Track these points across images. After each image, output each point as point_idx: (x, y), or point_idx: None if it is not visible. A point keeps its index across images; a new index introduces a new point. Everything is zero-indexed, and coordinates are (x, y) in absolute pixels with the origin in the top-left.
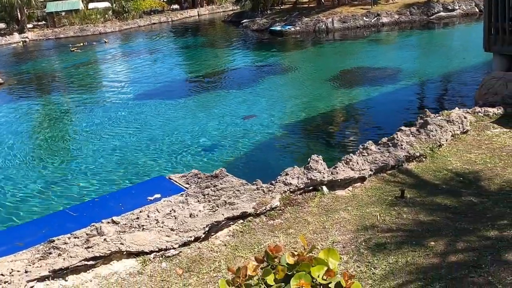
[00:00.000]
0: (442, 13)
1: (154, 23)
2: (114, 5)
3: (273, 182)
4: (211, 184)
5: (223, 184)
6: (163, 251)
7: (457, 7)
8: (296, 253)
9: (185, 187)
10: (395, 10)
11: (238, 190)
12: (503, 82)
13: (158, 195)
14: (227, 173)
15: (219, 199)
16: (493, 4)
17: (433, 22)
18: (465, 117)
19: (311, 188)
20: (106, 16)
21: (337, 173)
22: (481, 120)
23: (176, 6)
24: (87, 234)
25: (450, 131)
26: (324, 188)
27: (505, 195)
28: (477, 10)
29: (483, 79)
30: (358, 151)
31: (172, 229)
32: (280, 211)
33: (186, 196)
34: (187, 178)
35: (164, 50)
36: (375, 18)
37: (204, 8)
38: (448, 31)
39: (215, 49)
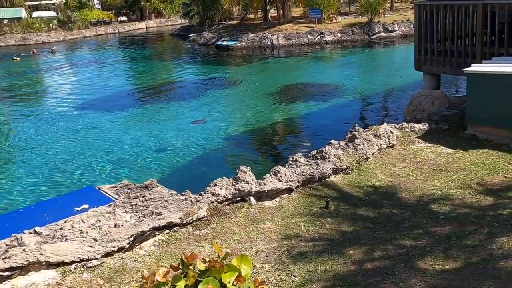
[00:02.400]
0: (382, 34)
1: (101, 34)
2: (60, 14)
3: (201, 192)
4: (140, 194)
5: (152, 194)
6: (85, 262)
7: (397, 28)
8: (207, 259)
9: (114, 198)
10: (338, 29)
11: (166, 201)
12: (430, 100)
13: (85, 206)
14: (158, 184)
15: (147, 209)
16: (423, 26)
17: (374, 42)
18: (391, 132)
19: (238, 198)
20: (51, 25)
21: (264, 184)
22: (407, 135)
23: (123, 18)
24: (6, 245)
25: (376, 145)
26: (252, 198)
27: (423, 206)
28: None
29: (412, 96)
30: (287, 163)
31: (95, 239)
32: (207, 222)
33: (113, 206)
34: (116, 189)
35: (110, 61)
36: (319, 36)
37: (152, 21)
38: (388, 50)
39: (162, 61)
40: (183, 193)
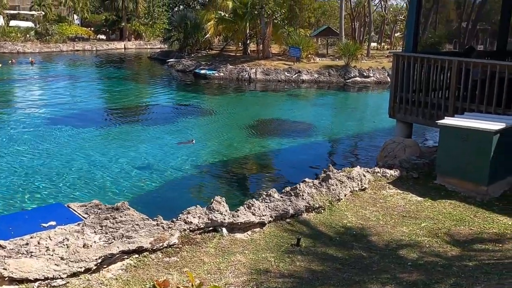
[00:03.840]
0: (357, 78)
1: (78, 50)
2: (38, 26)
3: (174, 219)
4: (110, 216)
5: (123, 217)
6: (49, 280)
7: (372, 75)
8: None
9: (83, 217)
10: (315, 69)
11: (137, 224)
12: (402, 147)
13: (53, 223)
14: (129, 207)
15: (117, 231)
16: (399, 76)
17: (349, 85)
18: (364, 176)
19: (211, 228)
20: (28, 36)
21: (238, 216)
22: (379, 180)
23: (102, 36)
24: None
25: (349, 187)
26: (224, 230)
27: (391, 251)
28: (389, 79)
29: (385, 143)
30: (262, 197)
31: (62, 258)
32: (178, 249)
33: (82, 226)
34: (86, 208)
35: (85, 78)
36: (296, 74)
37: (132, 42)
38: (362, 95)
39: (138, 83)
40: (154, 218)
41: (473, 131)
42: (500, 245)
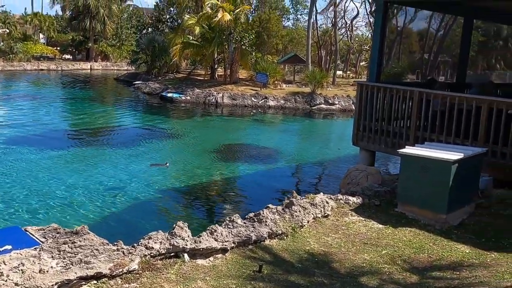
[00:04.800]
0: (323, 105)
1: (43, 69)
2: (2, 44)
3: (135, 244)
4: (69, 240)
5: (82, 241)
6: None
7: (337, 102)
8: None
9: (41, 241)
10: (281, 95)
11: (97, 249)
12: (364, 175)
13: (8, 247)
14: (89, 231)
15: (75, 256)
16: (363, 105)
17: (314, 112)
18: (327, 202)
19: (172, 254)
20: None
21: (200, 242)
22: (341, 207)
23: (68, 56)
24: None
25: (312, 214)
26: (186, 255)
27: (352, 278)
28: (353, 107)
29: (348, 170)
30: (225, 223)
31: (16, 284)
32: (138, 275)
33: (39, 250)
34: (44, 232)
35: (48, 98)
36: (263, 100)
37: (98, 63)
38: (327, 122)
39: (103, 104)
40: (115, 242)
41: (432, 161)
42: (458, 273)
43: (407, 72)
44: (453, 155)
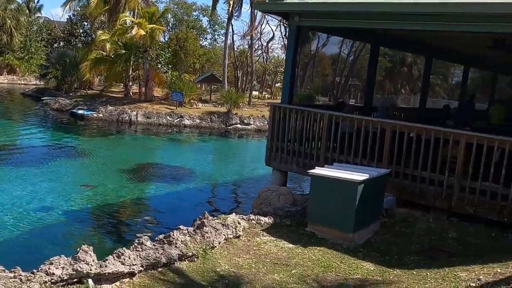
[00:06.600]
0: (238, 125)
1: None
2: None
3: (34, 270)
4: None
5: None
6: None
7: (252, 122)
8: None
9: None
10: (197, 114)
11: None
12: (276, 195)
13: None
14: None
15: None
16: (276, 126)
17: (230, 132)
18: (239, 223)
19: (75, 280)
20: None
21: (106, 266)
22: (253, 227)
23: None
24: None
25: (224, 235)
26: (90, 281)
27: None
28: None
29: (261, 190)
30: (133, 245)
31: None
32: None
33: None
34: None
35: None
36: (178, 119)
37: (4, 76)
38: (243, 142)
39: (8, 121)
40: (12, 269)
41: (340, 181)
42: None
43: (320, 95)
44: (359, 176)
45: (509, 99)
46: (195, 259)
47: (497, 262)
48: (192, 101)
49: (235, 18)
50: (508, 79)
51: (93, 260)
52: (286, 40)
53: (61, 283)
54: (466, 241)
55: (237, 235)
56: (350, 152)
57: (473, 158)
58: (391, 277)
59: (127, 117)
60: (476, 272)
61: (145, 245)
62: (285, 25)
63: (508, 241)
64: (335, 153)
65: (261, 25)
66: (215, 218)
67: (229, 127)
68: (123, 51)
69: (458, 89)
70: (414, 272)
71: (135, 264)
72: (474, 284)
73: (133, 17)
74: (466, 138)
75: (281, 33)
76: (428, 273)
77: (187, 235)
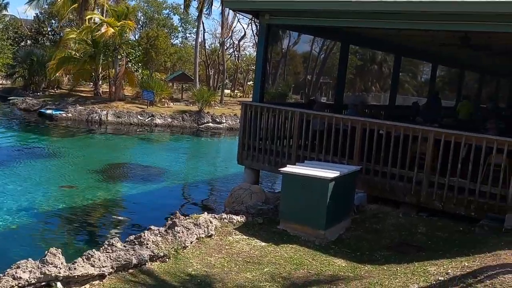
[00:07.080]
0: (211, 124)
1: None
2: None
3: (0, 275)
4: None
5: None
6: None
7: (224, 121)
8: None
9: None
10: (169, 113)
11: None
12: (248, 194)
13: None
14: None
15: None
16: (247, 124)
17: (202, 131)
18: (211, 222)
19: (44, 283)
20: None
21: (75, 268)
22: (226, 226)
23: None
24: None
25: (196, 234)
26: (59, 284)
27: None
28: None
29: (233, 189)
30: (103, 247)
31: None
32: None
33: None
34: None
35: None
36: (149, 118)
37: None
38: (215, 141)
39: None
40: None
41: (311, 179)
42: (334, 286)
43: (292, 92)
44: (330, 173)
45: (476, 95)
46: (167, 259)
47: (465, 256)
48: (163, 100)
49: (206, 16)
50: (475, 76)
51: (62, 263)
52: (257, 38)
53: (28, 287)
54: (435, 236)
55: (209, 234)
56: (321, 149)
57: (441, 154)
58: (362, 272)
59: (97, 117)
60: (445, 266)
61: (116, 246)
62: (256, 23)
63: (475, 235)
64: (306, 151)
65: (232, 23)
66: (187, 217)
67: (201, 126)
68: (92, 50)
69: (427, 87)
70: (385, 268)
71: (105, 266)
72: (442, 278)
73: (102, 15)
74: (434, 134)
75: (253, 31)
76: (398, 268)
77: (159, 235)
